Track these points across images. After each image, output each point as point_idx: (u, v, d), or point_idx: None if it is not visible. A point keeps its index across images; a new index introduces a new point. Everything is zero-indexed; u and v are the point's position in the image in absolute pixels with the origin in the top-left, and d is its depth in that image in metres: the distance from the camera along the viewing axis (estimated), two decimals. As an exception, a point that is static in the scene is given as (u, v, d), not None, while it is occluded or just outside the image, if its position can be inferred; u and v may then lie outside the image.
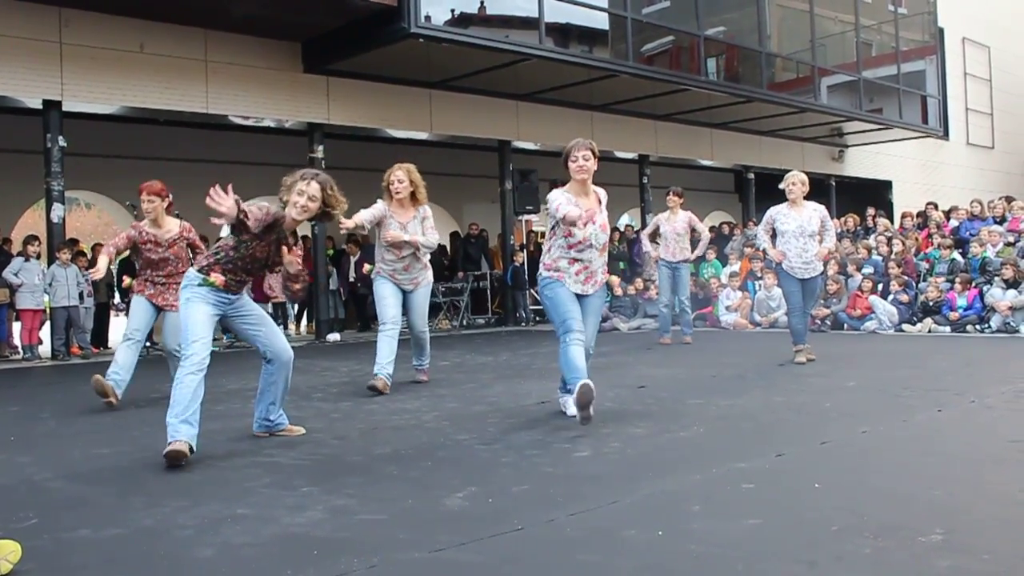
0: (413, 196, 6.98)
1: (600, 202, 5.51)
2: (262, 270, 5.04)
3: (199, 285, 4.76)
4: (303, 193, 4.74)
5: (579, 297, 5.40)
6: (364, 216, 6.90)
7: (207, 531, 3.21)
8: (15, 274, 11.37)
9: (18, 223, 14.71)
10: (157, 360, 10.99)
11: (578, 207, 5.23)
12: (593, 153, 5.38)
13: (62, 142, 11.04)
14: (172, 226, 6.81)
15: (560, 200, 5.31)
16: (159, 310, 6.74)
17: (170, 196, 6.84)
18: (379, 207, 6.98)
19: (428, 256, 7.24)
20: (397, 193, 6.91)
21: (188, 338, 4.65)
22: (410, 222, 6.95)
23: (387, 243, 6.95)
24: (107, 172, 14.46)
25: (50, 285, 11.21)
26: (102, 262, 6.83)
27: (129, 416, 6.11)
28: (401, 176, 6.92)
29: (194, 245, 6.91)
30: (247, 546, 3.02)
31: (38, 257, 11.65)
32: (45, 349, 11.69)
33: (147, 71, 11.68)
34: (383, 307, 7.02)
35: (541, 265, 5.53)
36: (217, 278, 4.77)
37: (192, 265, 6.58)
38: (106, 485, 4.02)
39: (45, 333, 12.01)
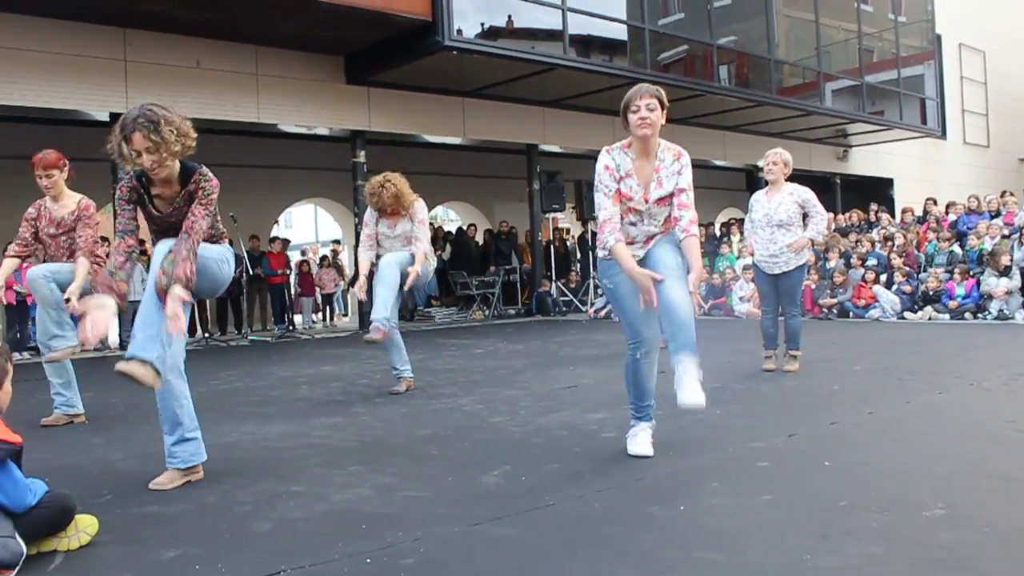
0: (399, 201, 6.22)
1: (661, 168, 3.83)
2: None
3: None
4: (132, 155, 3.48)
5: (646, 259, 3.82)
6: (363, 258, 6.31)
7: (264, 507, 3.23)
8: (87, 272, 11.51)
9: (88, 225, 14.91)
10: (211, 350, 11.10)
11: (626, 181, 3.79)
12: (661, 102, 3.87)
13: (127, 151, 11.17)
14: (70, 203, 5.39)
15: (602, 177, 3.80)
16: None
17: (68, 165, 5.38)
18: (369, 218, 6.34)
19: (425, 243, 6.27)
20: (387, 209, 6.18)
21: None
22: (399, 223, 6.23)
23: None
24: (168, 178, 14.53)
25: (118, 282, 11.28)
26: (7, 264, 5.37)
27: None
28: (386, 196, 6.10)
29: (81, 223, 5.40)
30: (301, 521, 3.04)
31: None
32: (114, 340, 11.83)
33: (203, 85, 11.79)
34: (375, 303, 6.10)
35: (598, 241, 3.84)
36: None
37: (77, 255, 5.22)
38: (172, 464, 4.05)
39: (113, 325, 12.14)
